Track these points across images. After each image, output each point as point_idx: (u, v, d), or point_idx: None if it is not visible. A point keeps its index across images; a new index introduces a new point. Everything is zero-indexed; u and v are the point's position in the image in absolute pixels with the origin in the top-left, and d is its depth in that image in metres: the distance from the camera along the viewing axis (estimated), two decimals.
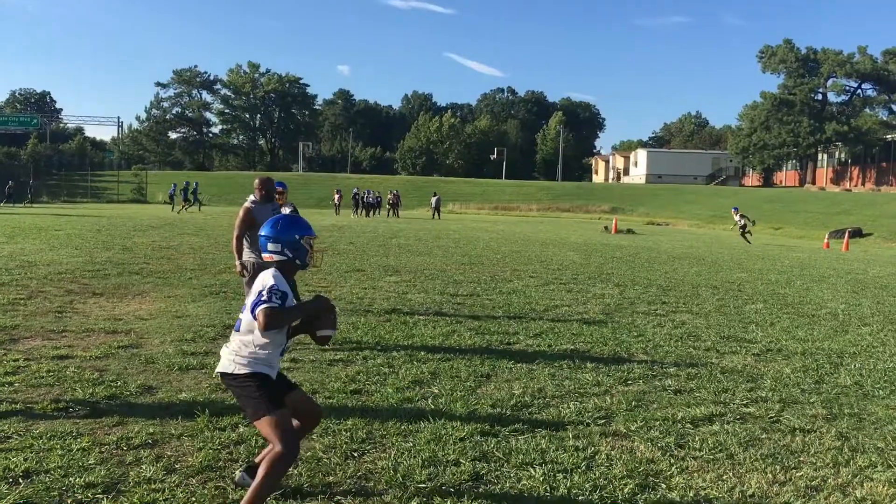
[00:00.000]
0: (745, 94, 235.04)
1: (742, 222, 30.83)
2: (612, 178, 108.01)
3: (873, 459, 5.01)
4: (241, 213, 7.94)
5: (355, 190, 50.29)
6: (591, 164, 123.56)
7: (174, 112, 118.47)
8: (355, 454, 4.77)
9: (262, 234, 4.02)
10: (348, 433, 5.15)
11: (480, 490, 4.26)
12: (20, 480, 4.19)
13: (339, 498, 4.12)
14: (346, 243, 22.14)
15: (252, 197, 8.05)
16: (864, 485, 4.55)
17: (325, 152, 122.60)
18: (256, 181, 8.15)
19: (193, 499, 4.02)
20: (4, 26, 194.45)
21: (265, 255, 4.01)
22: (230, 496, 4.08)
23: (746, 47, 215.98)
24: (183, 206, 44.02)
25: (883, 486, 4.51)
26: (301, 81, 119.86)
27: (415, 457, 4.73)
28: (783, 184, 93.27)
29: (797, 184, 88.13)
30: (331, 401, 5.92)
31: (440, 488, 4.27)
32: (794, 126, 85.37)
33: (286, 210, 10.01)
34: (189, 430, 5.12)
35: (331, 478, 4.38)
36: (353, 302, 11.01)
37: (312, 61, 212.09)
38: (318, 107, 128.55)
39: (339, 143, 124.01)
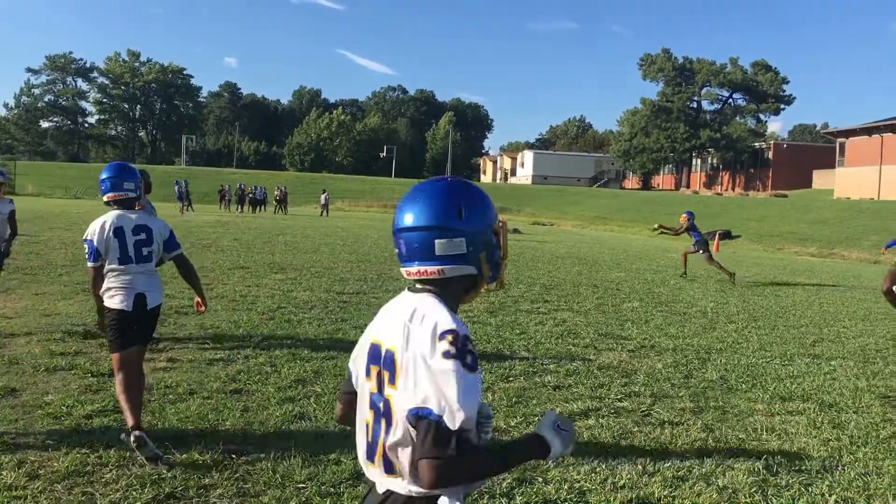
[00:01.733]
0: (626, 100, 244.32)
1: (696, 242, 17.63)
2: (500, 179, 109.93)
3: (735, 450, 5.30)
4: None
5: (240, 185, 49.15)
6: (480, 165, 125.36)
7: (46, 100, 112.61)
8: (233, 455, 4.67)
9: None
10: (226, 434, 5.03)
11: (360, 489, 4.26)
12: None
13: (215, 501, 4.02)
14: (230, 240, 21.59)
15: None
16: (726, 474, 4.82)
17: (209, 146, 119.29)
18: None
19: None
20: None
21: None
22: (98, 502, 3.91)
23: (630, 55, 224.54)
24: (183, 206, 40.83)
25: (743, 475, 4.78)
26: (185, 72, 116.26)
27: (295, 456, 4.68)
28: (661, 187, 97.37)
29: (674, 187, 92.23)
30: (209, 401, 5.77)
31: (320, 488, 4.24)
32: (671, 132, 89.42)
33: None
34: (55, 434, 4.87)
35: (206, 480, 4.27)
36: (235, 300, 10.76)
37: (198, 52, 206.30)
38: (202, 99, 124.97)
39: (225, 137, 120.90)
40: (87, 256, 4.96)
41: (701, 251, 17.52)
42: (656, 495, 4.40)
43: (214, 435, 5.02)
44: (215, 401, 5.81)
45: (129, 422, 4.56)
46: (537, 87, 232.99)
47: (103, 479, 4.21)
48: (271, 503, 4.01)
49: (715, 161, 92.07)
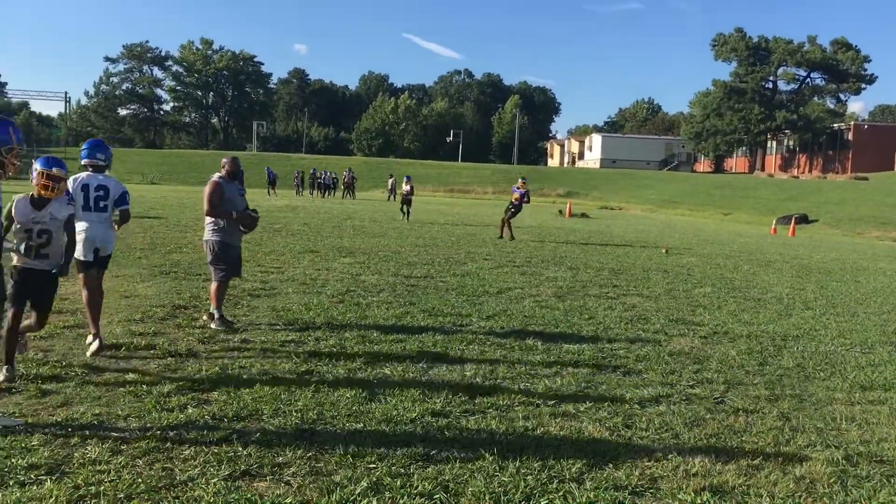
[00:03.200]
0: (697, 82, 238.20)
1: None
2: (567, 163, 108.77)
3: (812, 439, 5.16)
4: (209, 186, 7.84)
5: (313, 170, 50.01)
6: (547, 148, 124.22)
7: (124, 88, 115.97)
8: (305, 435, 4.76)
9: None
10: (299, 414, 5.13)
11: (430, 470, 4.29)
12: None
13: (289, 478, 4.11)
14: (300, 224, 21.94)
15: (219, 174, 7.98)
16: (804, 463, 4.69)
17: (279, 132, 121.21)
18: (225, 160, 8.20)
19: (140, 480, 3.97)
20: None
21: None
22: (177, 477, 4.04)
23: (699, 35, 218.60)
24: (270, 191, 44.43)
25: (821, 465, 4.65)
26: (255, 59, 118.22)
27: (365, 437, 4.74)
28: (734, 170, 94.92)
29: (747, 170, 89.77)
30: (282, 382, 5.89)
31: (391, 468, 4.29)
32: (745, 113, 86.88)
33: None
34: (136, 412, 5.04)
35: (280, 458, 4.36)
36: (306, 283, 10.94)
37: (269, 39, 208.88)
38: (272, 85, 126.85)
39: (294, 123, 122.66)
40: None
41: None
42: (730, 483, 4.31)
43: (287, 415, 5.12)
44: (288, 381, 5.92)
45: (92, 329, 6.44)
46: (605, 70, 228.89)
47: (182, 456, 4.34)
48: (343, 482, 4.07)
49: (791, 143, 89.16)
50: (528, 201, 20.89)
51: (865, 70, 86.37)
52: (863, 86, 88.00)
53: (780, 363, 7.38)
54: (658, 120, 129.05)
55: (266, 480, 4.07)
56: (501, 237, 20.14)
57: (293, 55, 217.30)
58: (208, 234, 7.91)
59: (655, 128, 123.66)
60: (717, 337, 8.54)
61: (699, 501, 4.05)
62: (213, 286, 7.88)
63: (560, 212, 39.02)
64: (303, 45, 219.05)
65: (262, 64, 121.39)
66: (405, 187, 27.27)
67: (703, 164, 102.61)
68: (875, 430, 5.40)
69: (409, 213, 26.53)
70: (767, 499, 4.13)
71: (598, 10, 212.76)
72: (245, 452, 4.42)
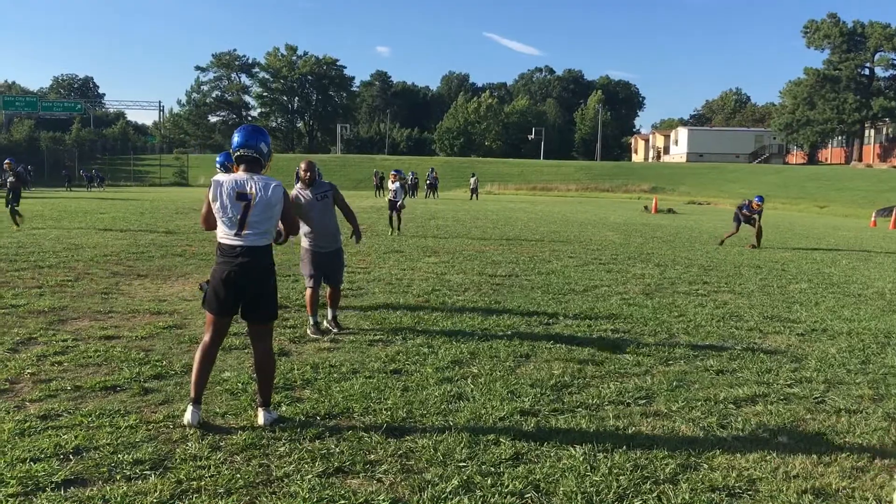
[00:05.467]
0: (788, 71, 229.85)
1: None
2: (652, 158, 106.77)
3: None
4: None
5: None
6: (631, 144, 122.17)
7: (214, 96, 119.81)
8: (396, 433, 4.81)
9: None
10: (389, 413, 5.19)
11: (520, 469, 4.27)
12: (71, 457, 4.30)
13: (381, 476, 4.16)
14: (384, 225, 22.22)
15: (298, 185, 7.90)
16: None
17: (362, 134, 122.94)
18: (303, 165, 7.89)
19: (238, 475, 4.09)
20: (46, 12, 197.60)
21: None
22: (273, 473, 4.14)
23: (789, 22, 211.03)
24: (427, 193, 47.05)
25: None
26: (338, 63, 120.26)
27: (455, 436, 4.76)
28: (828, 161, 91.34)
29: (843, 161, 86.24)
30: (371, 380, 5.97)
31: (481, 467, 4.29)
32: (839, 102, 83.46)
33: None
34: (233, 409, 5.20)
35: (372, 456, 4.42)
36: (391, 283, 11.06)
37: (351, 43, 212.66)
38: (355, 88, 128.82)
39: (377, 125, 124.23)
40: None
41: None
42: (833, 486, 4.14)
43: (377, 413, 5.18)
44: (377, 380, 6.00)
45: None
46: (690, 61, 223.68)
47: (277, 452, 4.45)
48: (434, 480, 4.10)
49: (891, 131, 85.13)
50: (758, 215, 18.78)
51: None
52: None
53: (883, 361, 7.05)
54: (747, 111, 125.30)
55: (359, 477, 4.13)
56: (756, 246, 18.36)
57: (376, 58, 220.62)
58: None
59: (744, 119, 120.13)
60: (816, 334, 8.22)
61: None
62: (308, 292, 7.89)
63: (646, 208, 38.32)
64: (385, 48, 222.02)
65: (345, 67, 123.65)
66: (392, 185, 20.17)
67: (796, 156, 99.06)
68: None
69: (399, 222, 19.78)
70: (874, 502, 3.95)
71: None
72: (338, 450, 4.49)
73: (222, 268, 4.81)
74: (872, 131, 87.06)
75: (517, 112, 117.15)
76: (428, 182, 48.56)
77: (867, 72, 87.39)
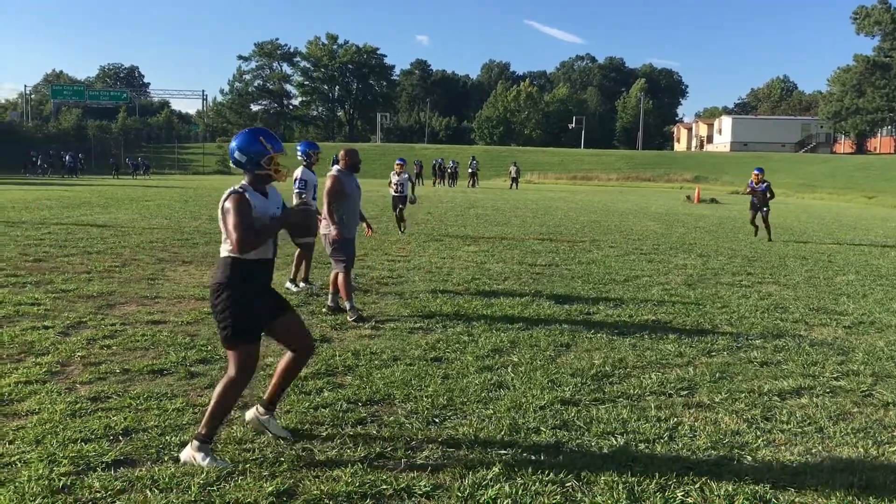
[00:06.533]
0: (836, 58, 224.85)
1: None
2: (695, 147, 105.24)
3: None
4: (329, 181, 7.93)
5: (439, 160, 50.70)
6: (673, 133, 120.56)
7: (256, 85, 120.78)
8: (436, 420, 4.84)
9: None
10: (429, 400, 5.22)
11: (561, 458, 4.27)
12: (120, 438, 4.41)
13: (422, 461, 4.19)
14: (424, 213, 22.27)
15: (337, 167, 8.02)
16: None
17: (402, 123, 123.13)
18: (342, 152, 8.08)
19: (282, 458, 4.15)
20: (92, 2, 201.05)
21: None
22: (316, 457, 4.20)
23: (838, 7, 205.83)
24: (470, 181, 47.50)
25: None
26: (378, 52, 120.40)
27: (495, 424, 4.77)
28: (877, 151, 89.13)
29: (892, 150, 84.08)
30: (412, 368, 6.00)
31: (521, 455, 4.30)
32: (889, 90, 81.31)
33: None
34: None
35: (413, 442, 4.46)
36: (431, 271, 11.09)
37: (392, 32, 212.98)
38: (395, 77, 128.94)
39: (417, 114, 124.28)
40: None
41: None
42: (881, 480, 4.07)
43: (418, 400, 5.22)
44: (417, 367, 6.03)
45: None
46: (735, 48, 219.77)
47: (320, 437, 4.50)
48: (475, 466, 4.12)
49: None
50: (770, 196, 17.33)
51: None
52: None
53: None
54: (794, 100, 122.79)
55: (400, 463, 4.17)
56: (770, 239, 16.97)
57: (415, 46, 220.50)
58: (323, 228, 8.00)
59: (791, 108, 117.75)
60: (863, 327, 8.06)
61: (848, 498, 3.85)
62: (340, 278, 7.97)
63: (688, 197, 37.84)
64: (424, 37, 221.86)
65: (385, 56, 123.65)
66: (394, 178, 16.69)
67: (844, 145, 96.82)
68: None
69: (404, 221, 16.70)
70: None
71: None
72: (379, 435, 4.54)
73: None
74: None
75: (557, 100, 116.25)
76: (470, 171, 48.47)
77: None
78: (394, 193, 16.55)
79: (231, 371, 4.16)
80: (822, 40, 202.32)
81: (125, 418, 4.70)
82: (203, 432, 4.11)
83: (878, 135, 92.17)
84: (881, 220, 26.27)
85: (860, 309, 9.05)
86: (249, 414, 4.60)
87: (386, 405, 5.13)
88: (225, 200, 4.20)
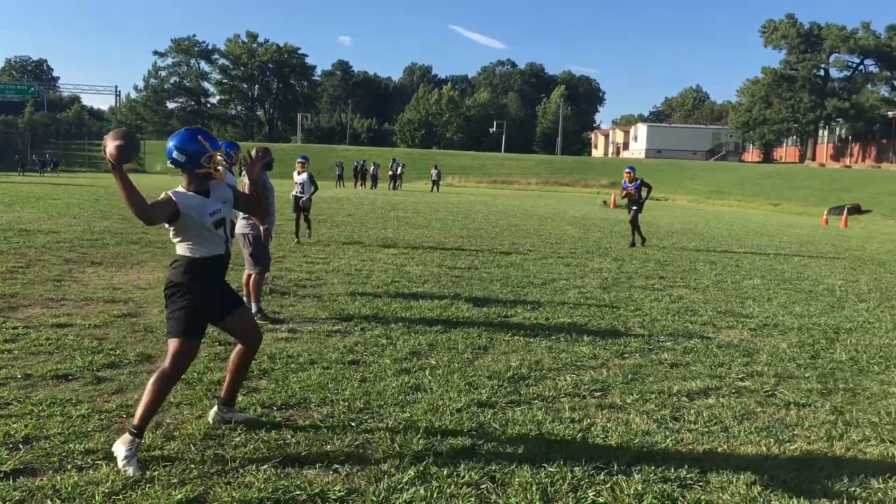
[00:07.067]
0: (746, 70, 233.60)
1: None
2: (612, 153, 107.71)
3: (867, 433, 5.05)
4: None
5: (361, 162, 50.41)
6: (591, 139, 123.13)
7: (172, 82, 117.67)
8: (353, 424, 4.80)
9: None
10: (346, 403, 5.18)
11: (476, 461, 4.30)
12: (20, 446, 4.22)
13: (337, 466, 4.15)
14: (344, 215, 22.12)
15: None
16: (858, 458, 4.59)
17: (323, 123, 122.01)
18: (254, 151, 8.02)
19: (192, 466, 4.05)
20: None
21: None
22: (228, 463, 4.11)
23: (750, 21, 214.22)
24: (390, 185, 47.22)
25: (876, 460, 4.55)
26: (300, 52, 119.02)
27: (412, 427, 4.76)
28: (783, 160, 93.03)
29: (797, 160, 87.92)
30: (329, 371, 5.94)
31: (437, 458, 4.30)
32: (794, 102, 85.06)
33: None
34: (188, 399, 5.14)
35: (328, 447, 4.41)
36: (351, 273, 11.02)
37: (314, 31, 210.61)
38: (316, 78, 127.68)
39: (338, 115, 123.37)
40: None
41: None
42: (782, 478, 4.24)
43: (334, 403, 5.17)
44: (334, 371, 5.98)
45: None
46: (651, 58, 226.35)
47: (233, 443, 4.41)
48: (390, 471, 4.10)
49: (843, 132, 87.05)
50: (646, 195, 17.01)
51: None
52: None
53: (832, 356, 7.23)
54: (706, 109, 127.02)
55: (315, 468, 4.12)
56: (634, 244, 16.80)
57: (337, 47, 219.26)
58: (243, 227, 7.91)
59: (703, 117, 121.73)
60: (767, 329, 8.39)
61: (750, 495, 3.99)
62: (254, 279, 7.89)
63: (604, 202, 38.68)
64: (347, 37, 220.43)
65: (307, 56, 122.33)
66: (297, 177, 14.91)
67: (752, 154, 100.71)
68: None
69: (308, 224, 15.33)
70: (821, 493, 4.05)
71: None
72: (294, 440, 4.47)
73: None
74: (826, 131, 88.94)
75: (479, 105, 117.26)
76: (390, 173, 48.34)
77: (822, 72, 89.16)
78: (295, 194, 14.91)
79: (166, 364, 4.22)
80: (733, 52, 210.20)
81: (26, 425, 4.50)
82: (136, 423, 4.11)
83: (784, 144, 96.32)
84: (786, 227, 27.43)
85: (765, 312, 9.42)
86: (211, 415, 4.69)
87: (301, 409, 5.07)
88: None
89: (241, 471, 4.03)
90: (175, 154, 4.33)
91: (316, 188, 14.97)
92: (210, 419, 4.69)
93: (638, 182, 16.89)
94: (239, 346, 4.66)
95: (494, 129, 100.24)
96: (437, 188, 47.43)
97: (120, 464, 3.99)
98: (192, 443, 4.38)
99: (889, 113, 79.13)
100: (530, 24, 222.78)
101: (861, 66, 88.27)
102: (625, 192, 17.17)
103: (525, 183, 65.06)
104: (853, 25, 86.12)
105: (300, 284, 9.96)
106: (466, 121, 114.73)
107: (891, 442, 4.90)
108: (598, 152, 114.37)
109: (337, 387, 5.55)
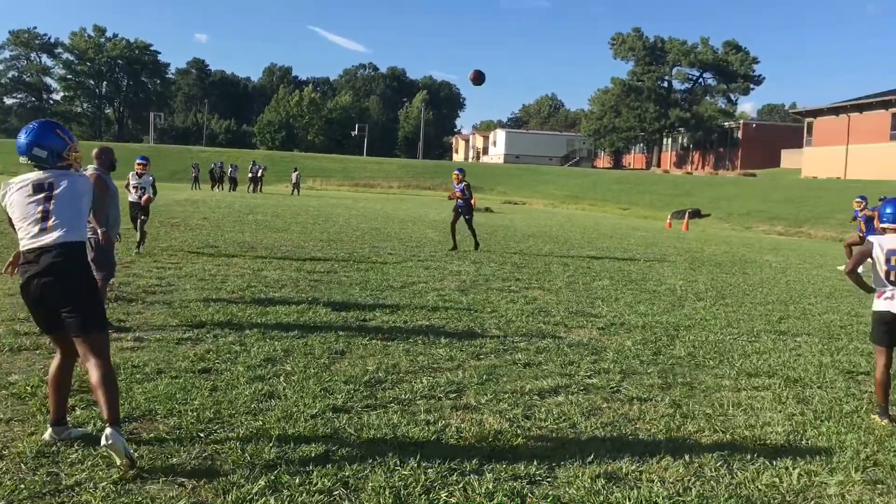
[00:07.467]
0: (598, 79, 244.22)
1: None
2: (472, 158, 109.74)
3: (702, 425, 5.37)
4: (92, 181, 7.35)
5: (220, 164, 48.80)
6: (452, 143, 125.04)
7: (10, 76, 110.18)
8: (201, 435, 4.63)
9: None
10: (195, 414, 4.98)
11: (330, 467, 4.25)
12: None
13: (183, 479, 3.98)
14: (199, 218, 21.37)
15: (93, 166, 7.55)
16: (694, 448, 4.87)
17: (178, 123, 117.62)
18: (96, 151, 7.74)
19: (23, 486, 3.78)
20: None
21: None
22: (63, 482, 3.86)
23: (602, 33, 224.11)
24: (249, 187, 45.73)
25: (710, 449, 4.84)
26: (152, 48, 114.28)
27: (264, 435, 4.65)
28: (631, 166, 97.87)
29: (644, 166, 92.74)
30: (177, 380, 5.71)
31: (290, 467, 4.22)
32: (641, 111, 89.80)
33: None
34: (20, 414, 4.81)
35: (174, 459, 4.23)
36: (204, 279, 10.65)
37: (167, 28, 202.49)
38: (170, 76, 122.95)
39: (194, 115, 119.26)
40: None
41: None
42: (624, 470, 4.43)
43: (182, 414, 4.96)
44: (183, 380, 5.74)
45: None
46: (509, 66, 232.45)
47: (69, 460, 4.15)
48: (240, 482, 3.98)
49: (685, 140, 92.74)
50: (469, 196, 16.97)
51: (754, 71, 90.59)
52: (751, 86, 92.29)
53: (672, 352, 7.65)
54: (560, 116, 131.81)
55: (158, 483, 3.93)
56: (455, 248, 16.79)
57: (193, 45, 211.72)
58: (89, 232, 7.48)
59: (558, 124, 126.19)
60: (614, 328, 8.78)
61: (595, 488, 4.15)
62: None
63: None
64: (203, 35, 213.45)
65: (160, 53, 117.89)
66: (133, 180, 13.44)
67: (603, 160, 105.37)
68: (759, 415, 5.66)
69: (142, 236, 13.40)
70: (659, 484, 4.27)
71: (505, 6, 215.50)
72: (136, 454, 4.26)
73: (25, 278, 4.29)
74: (669, 140, 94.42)
75: (340, 108, 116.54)
76: (250, 175, 47.02)
77: (666, 84, 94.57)
78: (132, 199, 13.29)
79: (104, 355, 4.27)
80: (585, 62, 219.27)
81: None
82: (117, 417, 4.12)
83: (632, 152, 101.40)
84: (633, 230, 28.84)
85: (612, 311, 9.86)
86: (47, 436, 4.41)
87: (146, 421, 4.84)
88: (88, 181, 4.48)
89: (77, 489, 3.80)
90: (36, 150, 4.21)
91: (154, 195, 13.49)
92: (47, 440, 4.39)
93: (464, 185, 16.87)
94: (57, 360, 4.46)
95: (356, 133, 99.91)
96: (298, 191, 46.69)
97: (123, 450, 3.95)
98: (23, 461, 4.09)
99: (725, 123, 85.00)
100: (391, 28, 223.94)
101: (700, 79, 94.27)
102: (451, 195, 17.28)
103: (387, 186, 65.18)
104: (693, 40, 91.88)
105: (149, 290, 9.52)
106: (328, 123, 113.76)
107: (723, 432, 5.23)
108: (458, 157, 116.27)
109: (185, 397, 5.34)
